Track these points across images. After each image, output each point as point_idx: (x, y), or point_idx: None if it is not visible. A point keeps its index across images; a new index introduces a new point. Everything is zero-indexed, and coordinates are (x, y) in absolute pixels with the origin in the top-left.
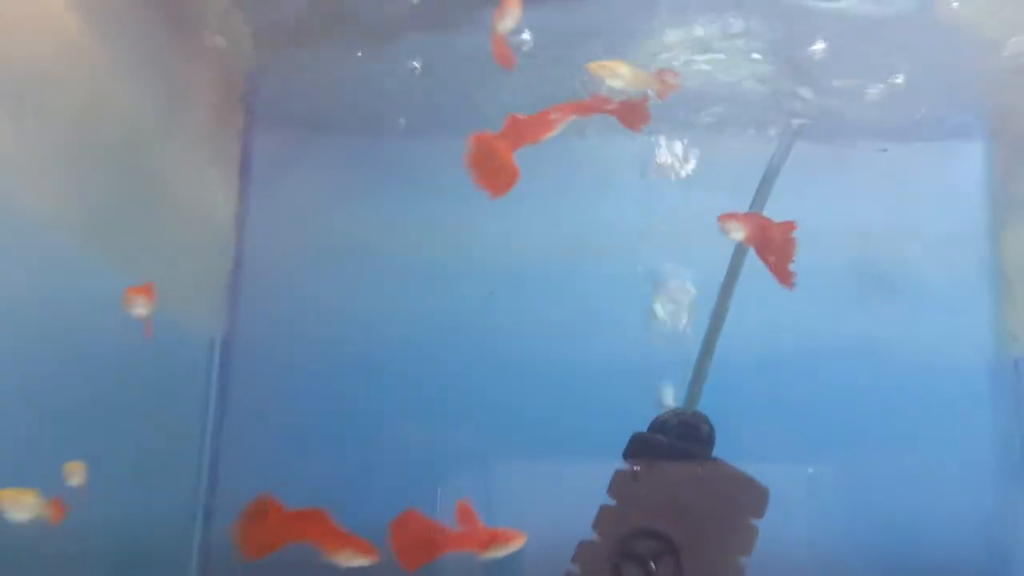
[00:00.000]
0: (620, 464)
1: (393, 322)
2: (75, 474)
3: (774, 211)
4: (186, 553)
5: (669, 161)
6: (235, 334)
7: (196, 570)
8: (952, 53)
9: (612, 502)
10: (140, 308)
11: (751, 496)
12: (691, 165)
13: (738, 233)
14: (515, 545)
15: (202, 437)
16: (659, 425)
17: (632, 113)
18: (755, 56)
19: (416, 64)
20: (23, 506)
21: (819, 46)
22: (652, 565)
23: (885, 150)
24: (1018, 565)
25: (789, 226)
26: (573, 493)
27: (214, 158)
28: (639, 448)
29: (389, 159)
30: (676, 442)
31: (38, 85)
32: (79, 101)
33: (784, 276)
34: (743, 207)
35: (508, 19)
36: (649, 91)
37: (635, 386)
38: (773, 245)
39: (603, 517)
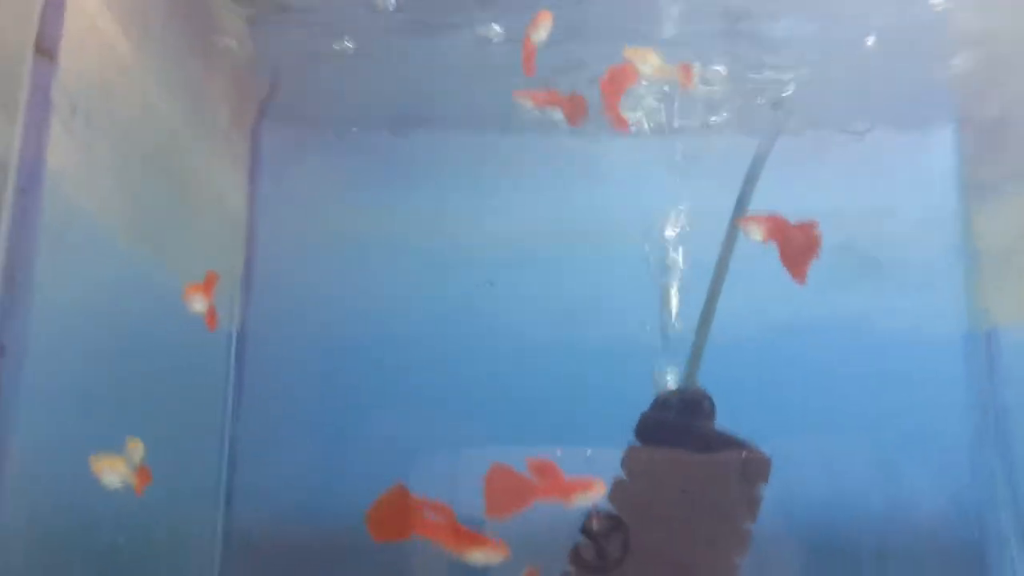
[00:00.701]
0: (630, 442)
1: (402, 311)
2: (135, 452)
3: (760, 199)
4: (209, 541)
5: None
6: (249, 327)
7: (219, 559)
8: (922, 40)
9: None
10: (198, 304)
11: (754, 465)
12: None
13: (758, 235)
14: (596, 493)
15: (221, 428)
16: (661, 403)
17: (574, 108)
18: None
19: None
20: (116, 472)
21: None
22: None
23: (860, 139)
24: (993, 533)
25: (810, 226)
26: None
27: (229, 156)
28: (649, 427)
29: (394, 152)
30: (682, 418)
31: (88, 99)
32: (125, 113)
33: (800, 274)
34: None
35: (541, 30)
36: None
37: (636, 369)
38: (793, 245)
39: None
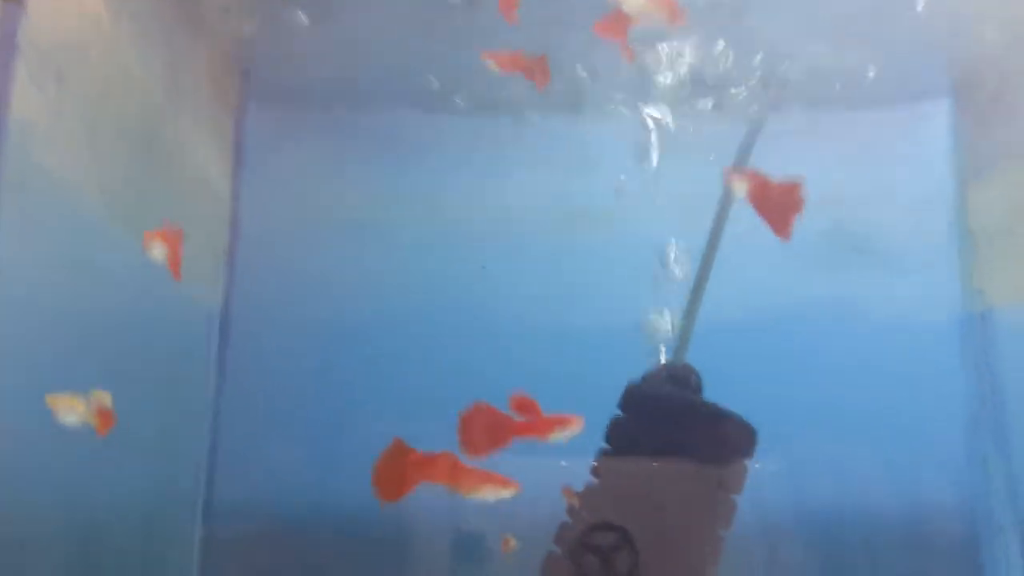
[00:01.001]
0: (616, 415)
1: (389, 292)
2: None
3: None
4: (190, 521)
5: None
6: (233, 306)
7: (199, 538)
8: (918, 16)
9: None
10: (156, 251)
11: (739, 436)
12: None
13: (742, 190)
14: (574, 428)
15: (204, 404)
16: (650, 377)
17: (539, 72)
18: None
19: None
20: (74, 411)
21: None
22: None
23: (854, 119)
24: (988, 512)
25: (794, 186)
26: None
27: (213, 133)
28: (634, 397)
29: (382, 132)
30: (668, 387)
31: (63, 58)
32: (100, 74)
33: (781, 229)
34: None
35: None
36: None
37: (628, 348)
38: (771, 202)
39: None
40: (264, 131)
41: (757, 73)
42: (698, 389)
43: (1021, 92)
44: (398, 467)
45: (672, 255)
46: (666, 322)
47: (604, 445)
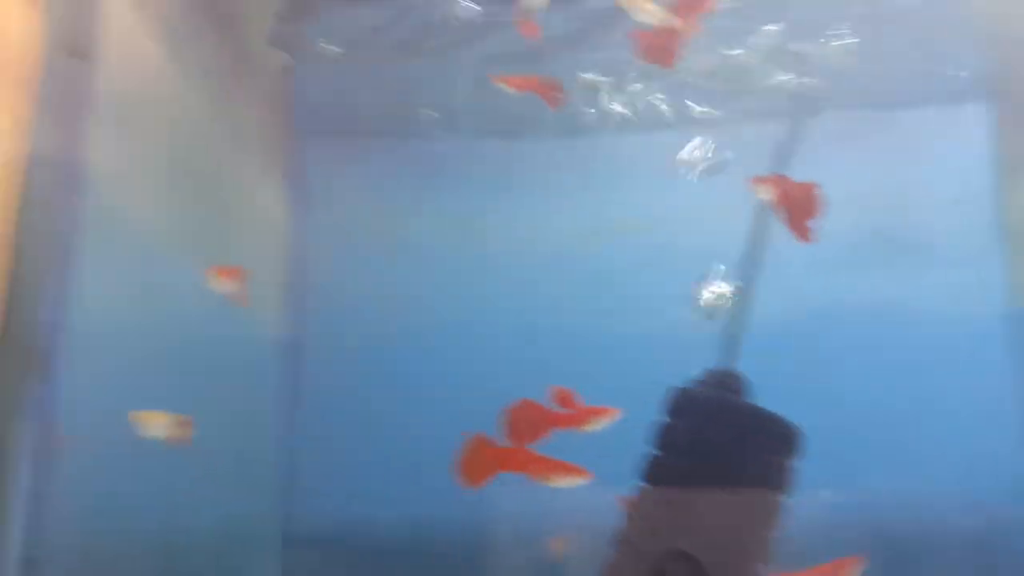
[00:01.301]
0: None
1: (446, 311)
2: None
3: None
4: (270, 546)
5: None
6: (301, 333)
7: (280, 563)
8: (954, 16)
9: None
10: (224, 285)
11: (784, 437)
12: (709, 157)
13: (766, 194)
14: (611, 418)
15: (277, 429)
16: (696, 383)
17: (551, 92)
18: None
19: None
20: (158, 425)
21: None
22: None
23: (893, 119)
24: None
25: (808, 186)
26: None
27: (266, 166)
28: (680, 400)
29: (432, 159)
30: (712, 391)
31: (130, 107)
32: (165, 120)
33: (801, 231)
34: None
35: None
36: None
37: (669, 360)
38: (792, 203)
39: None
40: (319, 164)
41: (792, 78)
42: (741, 392)
43: None
44: (479, 458)
45: (713, 264)
46: (710, 329)
47: (653, 451)
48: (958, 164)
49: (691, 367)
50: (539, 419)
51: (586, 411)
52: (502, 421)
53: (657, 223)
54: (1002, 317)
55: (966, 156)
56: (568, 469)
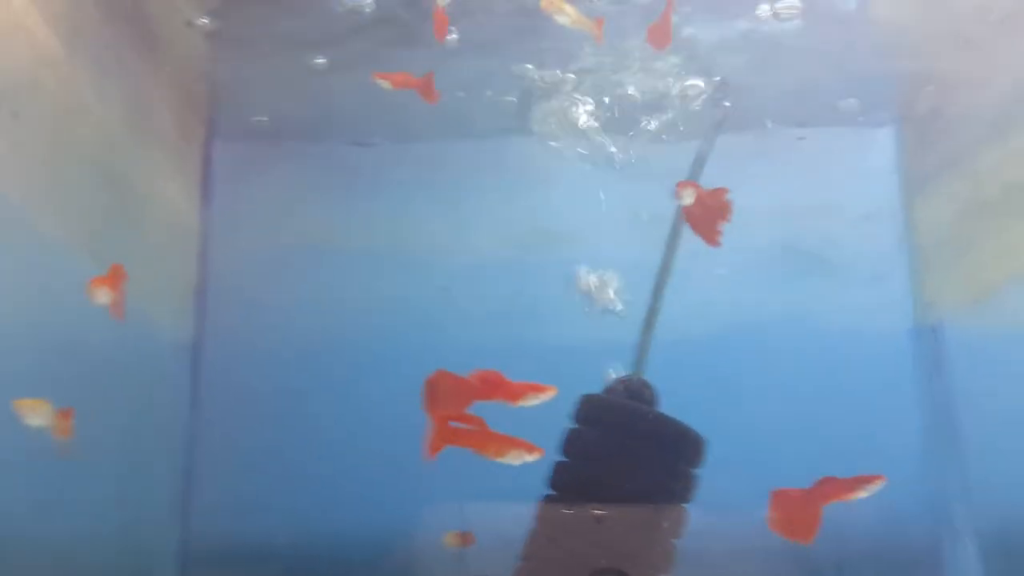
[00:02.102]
0: (570, 425)
1: (355, 316)
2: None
3: None
4: (165, 553)
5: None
6: (205, 335)
7: (176, 568)
8: (862, 42)
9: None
10: (102, 297)
11: (688, 446)
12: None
13: (690, 198)
14: (547, 396)
15: (177, 436)
16: (606, 391)
17: (427, 88)
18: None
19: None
20: (39, 414)
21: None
22: None
23: (803, 138)
24: (946, 524)
25: (720, 192)
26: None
27: (177, 168)
28: (586, 408)
29: (345, 164)
30: (619, 399)
31: (18, 93)
32: (55, 109)
33: (711, 236)
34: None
35: None
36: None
37: (584, 364)
38: (703, 208)
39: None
40: (230, 166)
41: (707, 96)
42: (653, 402)
43: (958, 107)
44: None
45: (626, 272)
46: (620, 336)
47: (560, 457)
48: (867, 183)
49: (603, 375)
50: (461, 391)
51: (520, 386)
52: (424, 391)
53: (577, 229)
54: (909, 332)
55: (874, 175)
56: (521, 445)
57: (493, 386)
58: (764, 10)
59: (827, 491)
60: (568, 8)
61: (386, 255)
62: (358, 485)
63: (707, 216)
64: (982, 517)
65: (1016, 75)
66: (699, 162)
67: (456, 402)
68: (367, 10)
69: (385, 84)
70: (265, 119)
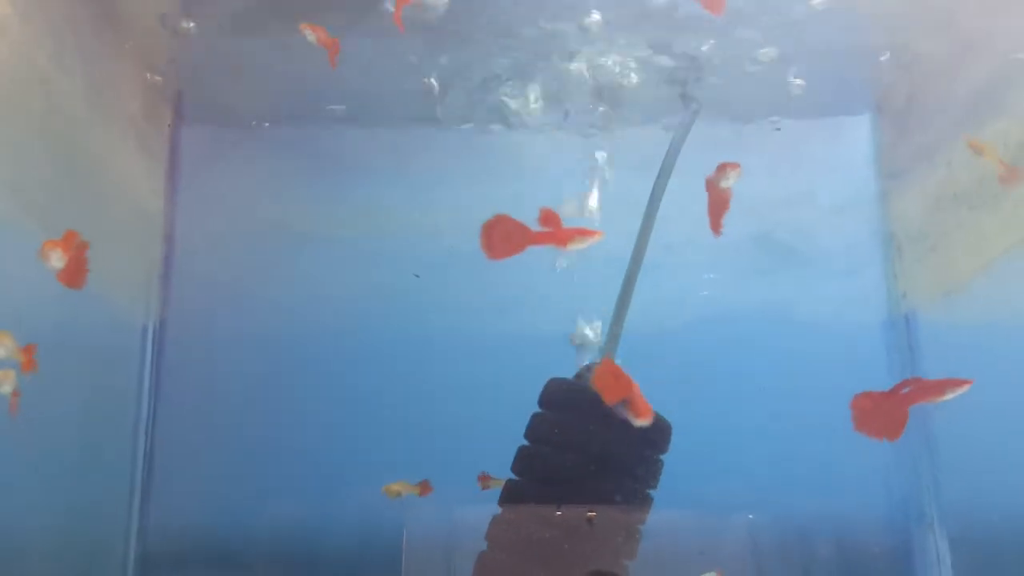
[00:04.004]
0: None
1: (323, 304)
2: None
3: (680, 189)
4: (123, 541)
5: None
6: (169, 319)
7: (134, 557)
8: (839, 32)
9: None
10: (55, 260)
11: (656, 431)
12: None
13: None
14: (594, 240)
15: (137, 422)
16: (575, 378)
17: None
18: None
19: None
20: (1, 345)
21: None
22: None
23: (779, 128)
24: (919, 512)
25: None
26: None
27: (142, 150)
28: (554, 390)
29: (315, 148)
30: (585, 384)
31: None
32: (6, 78)
33: (716, 226)
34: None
35: None
36: None
37: (554, 353)
38: (715, 196)
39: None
40: (198, 149)
41: (682, 87)
42: None
43: (933, 99)
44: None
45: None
46: (595, 330)
47: (524, 442)
48: (842, 173)
49: (574, 363)
50: (517, 234)
51: (569, 231)
52: (482, 233)
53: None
54: (883, 323)
55: (850, 166)
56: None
57: (550, 232)
58: None
59: (913, 392)
60: None
61: (354, 241)
62: (323, 473)
63: (715, 204)
64: (952, 508)
65: (990, 62)
66: (673, 152)
67: (514, 245)
68: None
69: (310, 35)
70: (233, 102)
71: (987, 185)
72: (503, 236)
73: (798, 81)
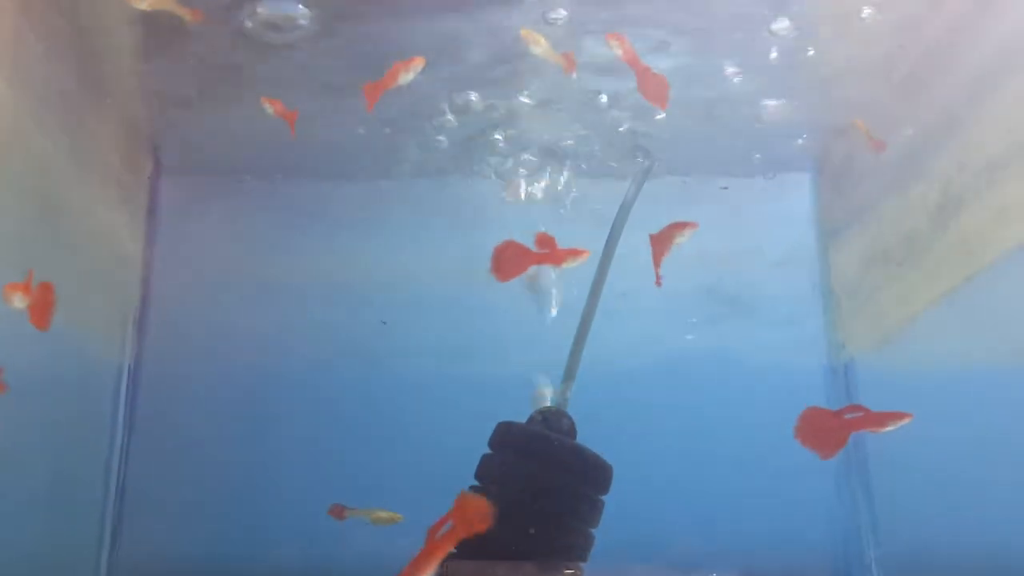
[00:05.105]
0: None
1: (296, 348)
2: None
3: (632, 241)
4: None
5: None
6: (144, 360)
7: None
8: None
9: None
10: (17, 301)
11: (597, 471)
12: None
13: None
14: (583, 258)
15: (109, 459)
16: (528, 420)
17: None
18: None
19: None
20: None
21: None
22: None
23: (726, 187)
24: (858, 552)
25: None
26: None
27: (122, 201)
28: (500, 433)
29: (288, 200)
30: (534, 427)
31: None
32: None
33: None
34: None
35: (411, 73)
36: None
37: (517, 397)
38: (650, 82)
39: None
40: (176, 199)
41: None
42: (571, 433)
43: (866, 159)
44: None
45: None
46: (551, 376)
47: (473, 482)
48: (784, 230)
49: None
50: (521, 256)
51: (562, 251)
52: (492, 258)
53: None
54: (823, 370)
55: (792, 223)
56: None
57: (547, 254)
58: None
59: (858, 418)
60: (543, 41)
61: (326, 289)
62: (295, 516)
63: (653, 86)
64: (888, 548)
65: (914, 128)
66: (625, 208)
67: (519, 266)
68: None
69: (269, 108)
70: (211, 155)
71: (913, 243)
72: (509, 259)
73: (746, 142)
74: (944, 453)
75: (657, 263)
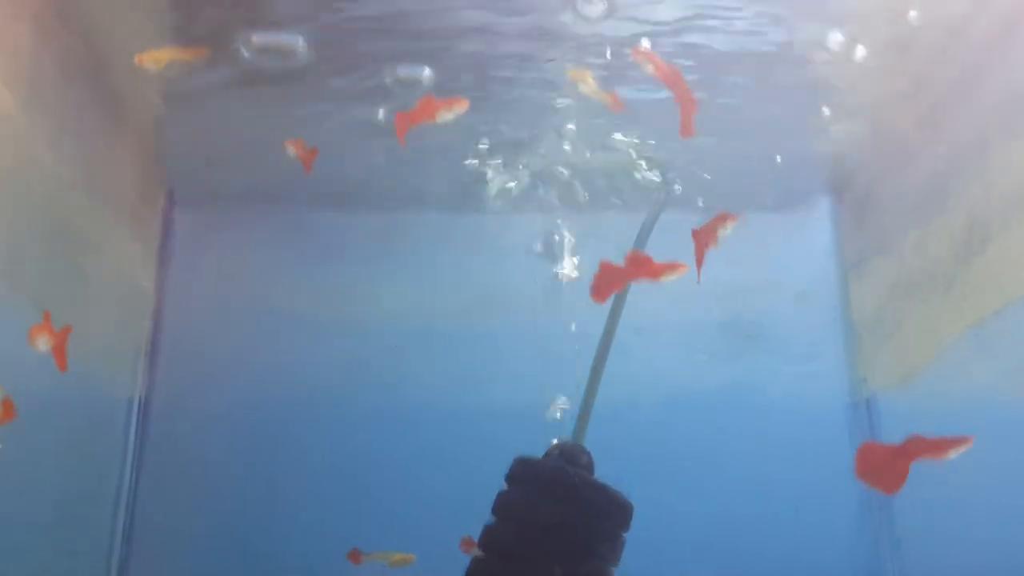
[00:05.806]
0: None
1: (309, 380)
2: None
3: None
4: None
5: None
6: (154, 393)
7: None
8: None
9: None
10: (42, 344)
11: (618, 508)
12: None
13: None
14: (681, 272)
15: (118, 496)
16: (545, 456)
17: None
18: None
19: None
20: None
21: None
22: None
23: (744, 219)
24: None
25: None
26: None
27: (136, 232)
28: (518, 468)
29: (302, 231)
30: (555, 461)
31: None
32: (5, 161)
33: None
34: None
35: (452, 114)
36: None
37: (532, 429)
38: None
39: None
40: (189, 230)
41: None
42: (589, 468)
43: (886, 191)
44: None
45: (574, 340)
46: (566, 406)
47: (491, 518)
48: (804, 263)
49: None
50: (617, 275)
51: (659, 266)
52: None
53: (527, 301)
54: (845, 405)
55: (812, 255)
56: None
57: (640, 266)
58: None
59: (918, 448)
60: (591, 79)
61: (340, 320)
62: (304, 548)
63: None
64: None
65: (935, 158)
66: (643, 238)
67: (614, 284)
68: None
69: (291, 151)
70: (225, 186)
71: (937, 275)
72: (606, 279)
73: (765, 173)
74: (970, 489)
75: (699, 259)
